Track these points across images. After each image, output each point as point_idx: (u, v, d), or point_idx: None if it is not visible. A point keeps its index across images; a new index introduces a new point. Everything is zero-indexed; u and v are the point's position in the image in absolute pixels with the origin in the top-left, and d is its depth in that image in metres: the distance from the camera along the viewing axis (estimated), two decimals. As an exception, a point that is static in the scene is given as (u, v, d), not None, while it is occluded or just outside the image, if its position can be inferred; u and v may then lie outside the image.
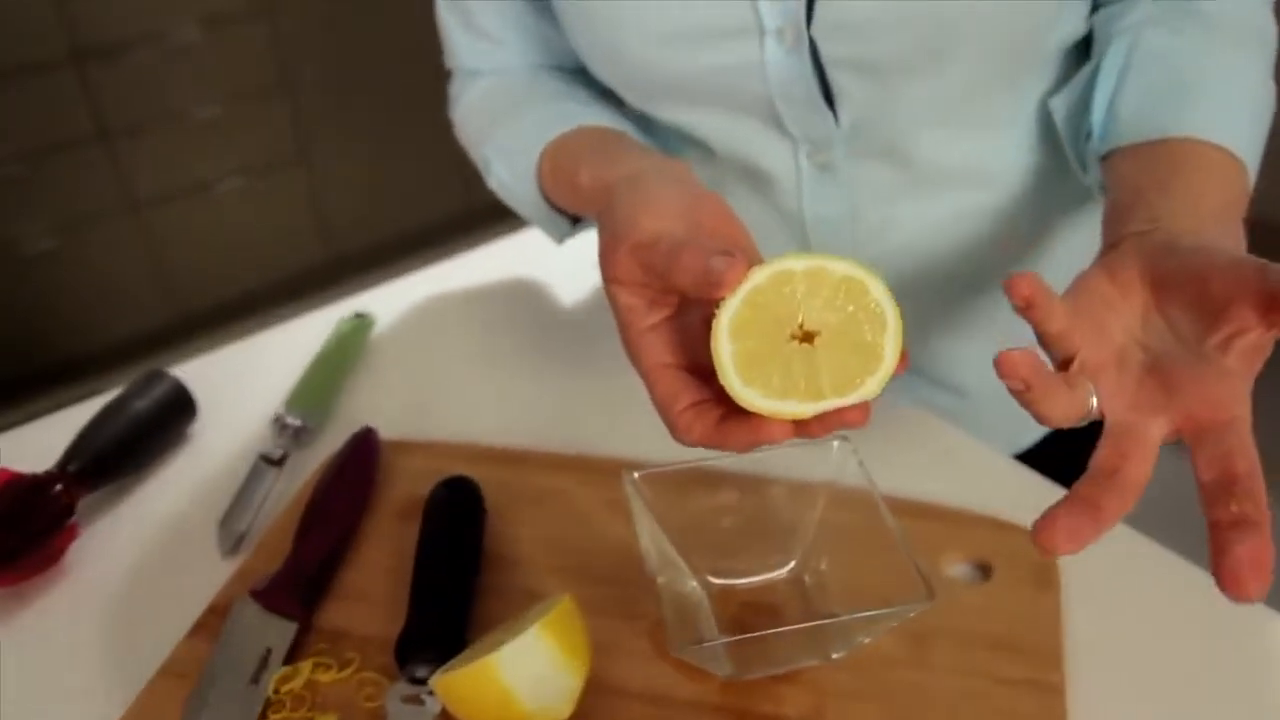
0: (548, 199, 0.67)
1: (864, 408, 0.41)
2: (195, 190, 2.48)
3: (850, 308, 0.41)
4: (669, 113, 0.68)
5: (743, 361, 0.41)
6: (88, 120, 2.26)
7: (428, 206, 2.86)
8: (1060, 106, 0.63)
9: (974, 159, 0.66)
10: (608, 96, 0.71)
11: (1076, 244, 0.72)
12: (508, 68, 0.74)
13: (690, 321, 0.45)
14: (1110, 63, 0.59)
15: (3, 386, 2.27)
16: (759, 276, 0.41)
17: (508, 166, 0.68)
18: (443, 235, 2.78)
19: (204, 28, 2.34)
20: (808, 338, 0.41)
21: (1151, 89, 0.56)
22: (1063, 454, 0.82)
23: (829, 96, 0.62)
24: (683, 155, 0.74)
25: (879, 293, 0.41)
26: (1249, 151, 0.52)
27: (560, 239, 0.72)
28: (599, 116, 0.65)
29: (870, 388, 0.41)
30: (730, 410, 0.43)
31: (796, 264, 0.41)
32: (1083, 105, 0.60)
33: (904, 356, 0.41)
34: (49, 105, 2.21)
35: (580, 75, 0.73)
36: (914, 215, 0.68)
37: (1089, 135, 0.59)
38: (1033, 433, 0.81)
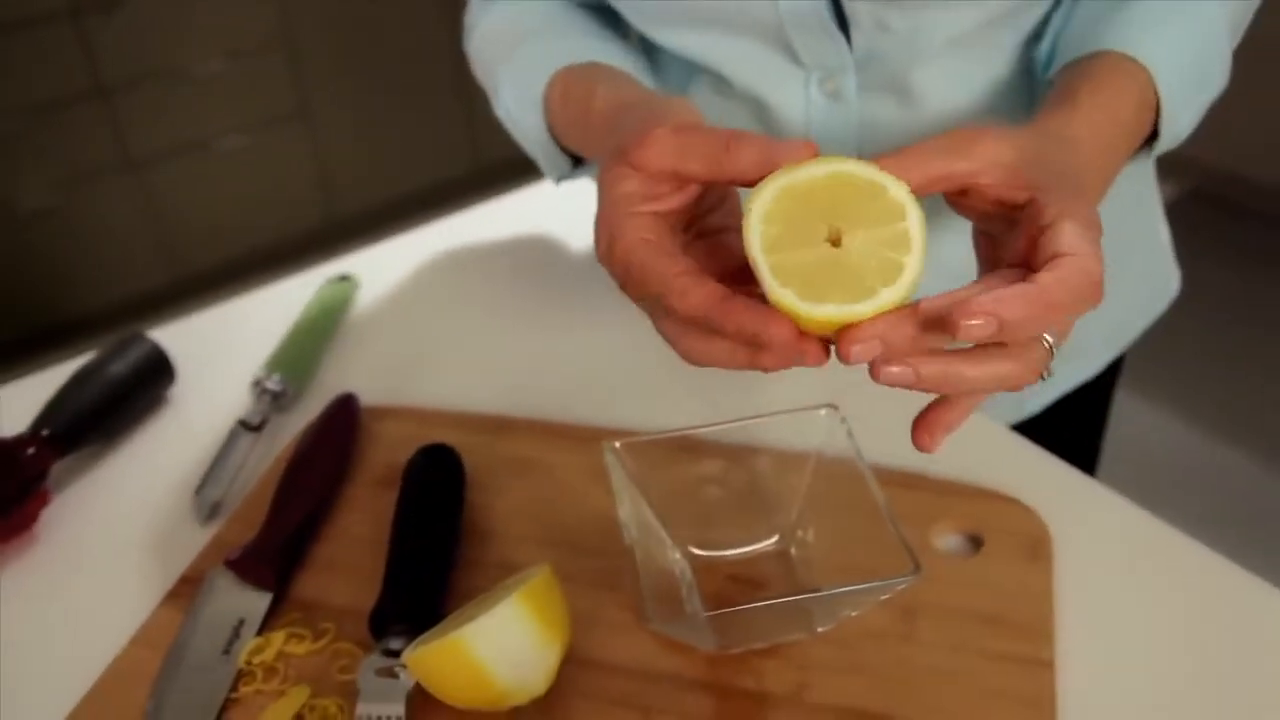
0: (553, 133, 0.65)
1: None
2: (194, 148, 2.45)
3: (874, 211, 0.39)
4: (679, 39, 0.66)
5: (777, 265, 0.38)
6: (85, 76, 2.23)
7: (431, 166, 2.83)
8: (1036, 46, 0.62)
9: (979, 97, 0.64)
10: (623, 38, 0.69)
11: None
12: None
13: (691, 242, 0.44)
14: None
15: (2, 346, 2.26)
16: (786, 178, 0.39)
17: (515, 94, 0.65)
18: (447, 195, 2.76)
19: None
20: (836, 242, 0.39)
21: (1090, 12, 0.57)
22: (1066, 422, 0.81)
23: (843, 23, 0.61)
24: (691, 87, 0.72)
25: (897, 190, 0.39)
26: (1169, 70, 0.53)
27: (558, 178, 0.70)
28: (612, 56, 0.63)
29: (910, 271, 0.39)
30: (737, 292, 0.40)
31: (814, 170, 0.40)
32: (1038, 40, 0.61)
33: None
34: (46, 60, 2.18)
35: (599, 11, 0.71)
36: None
37: (1046, 67, 0.59)
38: (1036, 399, 0.80)
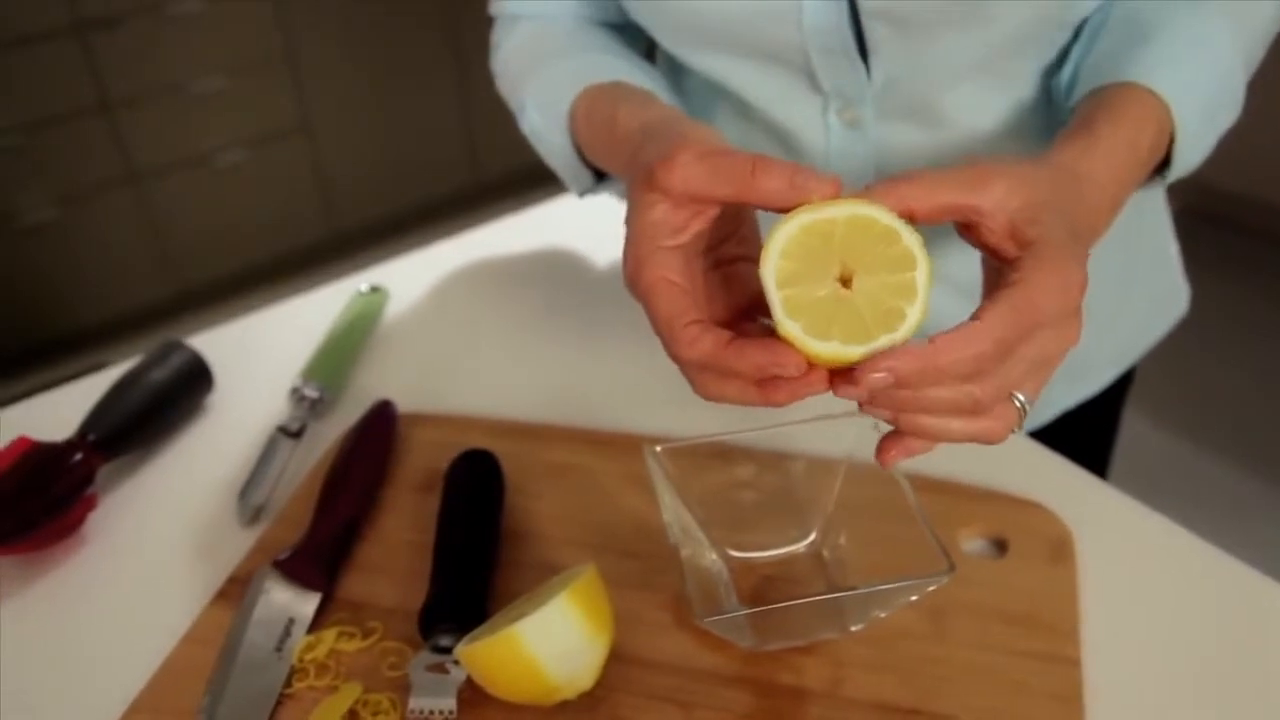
0: (577, 149, 0.67)
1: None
2: (196, 162, 2.47)
3: (886, 258, 0.41)
4: (703, 60, 0.68)
5: (789, 301, 0.40)
6: (89, 91, 2.25)
7: (432, 179, 2.85)
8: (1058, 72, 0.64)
9: (999, 122, 0.66)
10: (644, 57, 0.71)
11: None
12: (549, 14, 0.74)
13: (708, 270, 0.46)
14: (1091, 26, 0.61)
15: (2, 359, 2.27)
16: (809, 215, 0.41)
17: (541, 111, 0.68)
18: (448, 208, 2.78)
19: (206, -2, 2.33)
20: (846, 283, 0.41)
21: (1112, 44, 0.58)
22: (1075, 437, 0.83)
23: (863, 50, 0.63)
24: (714, 110, 0.74)
25: (911, 239, 0.41)
26: (1186, 103, 0.55)
27: (581, 192, 0.72)
28: (635, 74, 0.65)
29: (909, 322, 0.41)
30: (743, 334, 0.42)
31: (836, 210, 0.42)
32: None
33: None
34: (50, 76, 2.20)
35: (621, 31, 0.73)
36: None
37: (1067, 95, 0.61)
38: (1044, 413, 0.82)
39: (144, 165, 2.40)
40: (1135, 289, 0.81)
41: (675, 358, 0.44)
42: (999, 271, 0.44)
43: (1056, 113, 0.65)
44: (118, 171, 2.37)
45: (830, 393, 0.42)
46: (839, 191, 0.42)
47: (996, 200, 0.43)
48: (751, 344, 0.41)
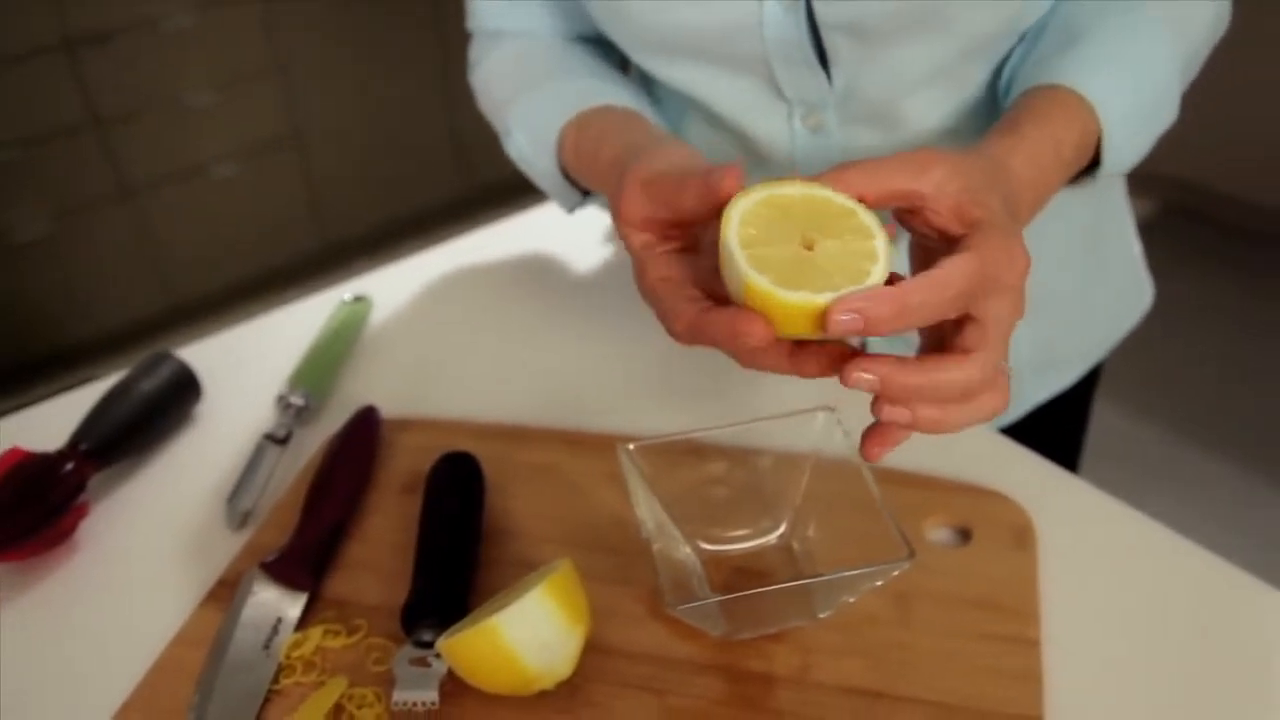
0: (566, 175, 0.69)
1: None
2: (189, 175, 2.49)
3: (845, 229, 0.43)
4: (670, 71, 0.70)
5: (755, 259, 0.42)
6: (81, 106, 2.27)
7: (422, 190, 2.87)
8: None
9: (954, 123, 0.68)
10: (624, 73, 0.74)
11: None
12: (529, 30, 0.76)
13: (699, 262, 0.48)
14: (1031, 29, 0.64)
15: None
16: (766, 190, 0.44)
17: (529, 137, 0.70)
18: (438, 219, 2.80)
19: (196, 12, 2.34)
20: (809, 247, 0.43)
21: (1046, 47, 0.61)
22: (1045, 431, 0.85)
23: (824, 59, 0.65)
24: (684, 118, 0.77)
25: (867, 217, 0.44)
26: (1112, 105, 0.57)
27: (571, 209, 0.74)
28: (621, 96, 0.67)
29: (874, 278, 0.42)
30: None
31: (793, 188, 0.44)
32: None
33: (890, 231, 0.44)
34: (42, 92, 2.21)
35: (597, 44, 0.76)
36: None
37: (1004, 96, 0.64)
38: (1015, 408, 0.84)
39: (137, 179, 2.41)
40: (1101, 286, 0.83)
41: (676, 337, 0.47)
42: (939, 252, 0.46)
43: (1000, 113, 0.68)
44: (110, 186, 2.38)
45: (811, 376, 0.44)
46: (740, 177, 0.44)
47: (937, 183, 0.46)
48: (719, 311, 0.43)
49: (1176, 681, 0.53)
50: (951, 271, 0.42)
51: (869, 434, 0.46)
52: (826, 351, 0.44)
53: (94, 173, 2.35)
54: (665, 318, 0.47)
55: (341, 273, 0.92)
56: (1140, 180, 0.75)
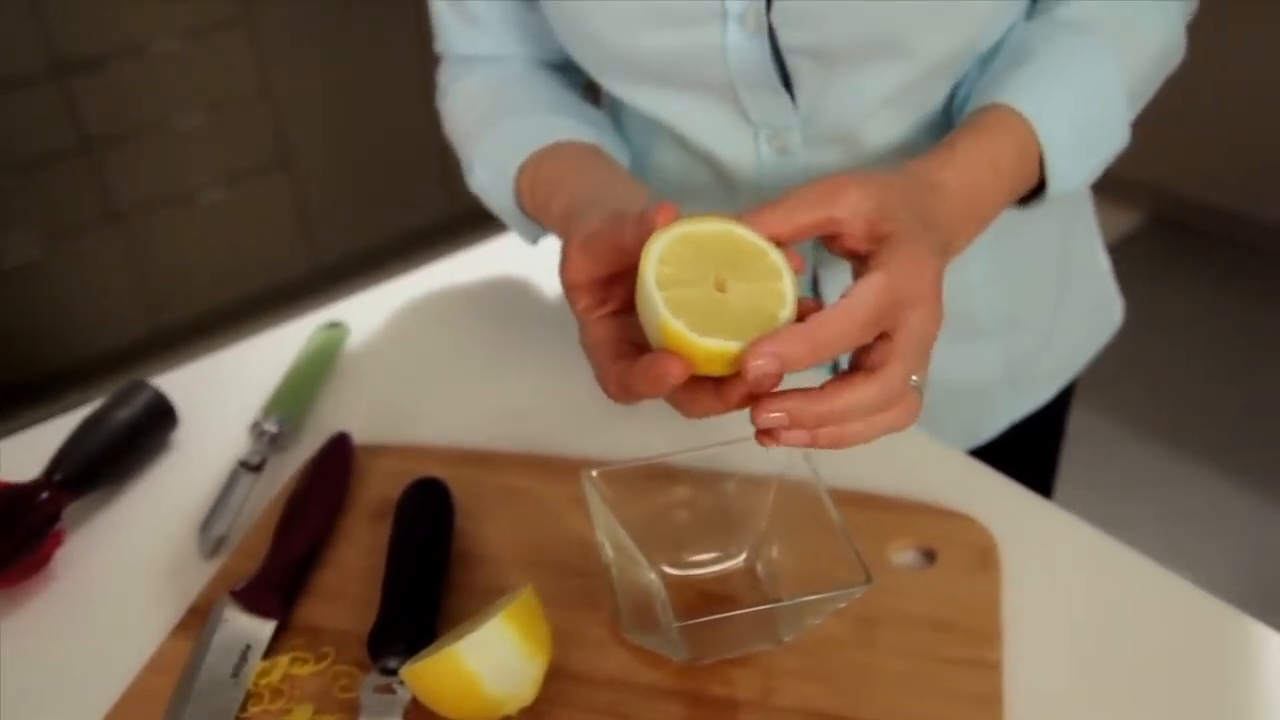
0: (523, 211, 0.70)
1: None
2: (178, 200, 2.50)
3: (756, 270, 0.45)
4: (639, 97, 0.71)
5: (671, 300, 0.43)
6: (69, 132, 2.28)
7: (411, 213, 2.88)
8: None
9: (915, 142, 0.69)
10: (591, 104, 0.75)
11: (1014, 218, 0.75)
12: (499, 55, 0.77)
13: (633, 321, 0.49)
14: (989, 51, 0.65)
15: (-13, 398, 2.28)
16: (683, 227, 0.45)
17: (489, 173, 0.71)
18: (426, 241, 2.81)
19: (183, 38, 2.36)
20: (721, 287, 0.45)
21: (996, 67, 0.62)
22: (1021, 448, 0.86)
23: (788, 82, 0.66)
24: (654, 142, 0.78)
25: (776, 256, 0.46)
26: (1053, 124, 0.58)
27: (534, 240, 0.75)
28: (582, 131, 0.68)
29: (783, 321, 0.44)
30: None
31: (709, 225, 0.45)
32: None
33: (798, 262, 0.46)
34: (30, 118, 2.22)
35: (565, 72, 0.77)
36: None
37: (958, 114, 0.65)
38: (990, 427, 0.84)
39: (126, 204, 2.42)
40: (1071, 305, 0.83)
41: (613, 398, 0.48)
42: (859, 273, 0.48)
43: None
44: (99, 211, 2.39)
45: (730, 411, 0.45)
46: (673, 213, 0.45)
47: (851, 207, 0.47)
48: (639, 361, 0.45)
49: (1141, 709, 0.53)
50: (859, 297, 0.44)
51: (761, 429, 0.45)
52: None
53: (83, 197, 2.36)
54: (600, 381, 0.49)
55: (330, 295, 0.93)
56: (1125, 191, 0.76)
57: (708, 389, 0.46)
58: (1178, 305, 2.41)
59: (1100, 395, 0.91)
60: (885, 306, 0.44)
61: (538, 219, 0.68)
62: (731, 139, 0.70)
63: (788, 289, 0.45)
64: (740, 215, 0.46)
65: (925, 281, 0.46)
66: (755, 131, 0.69)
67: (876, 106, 0.66)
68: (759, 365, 0.41)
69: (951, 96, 0.67)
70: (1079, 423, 0.94)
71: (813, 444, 0.45)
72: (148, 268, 2.52)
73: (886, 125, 0.67)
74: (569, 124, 0.69)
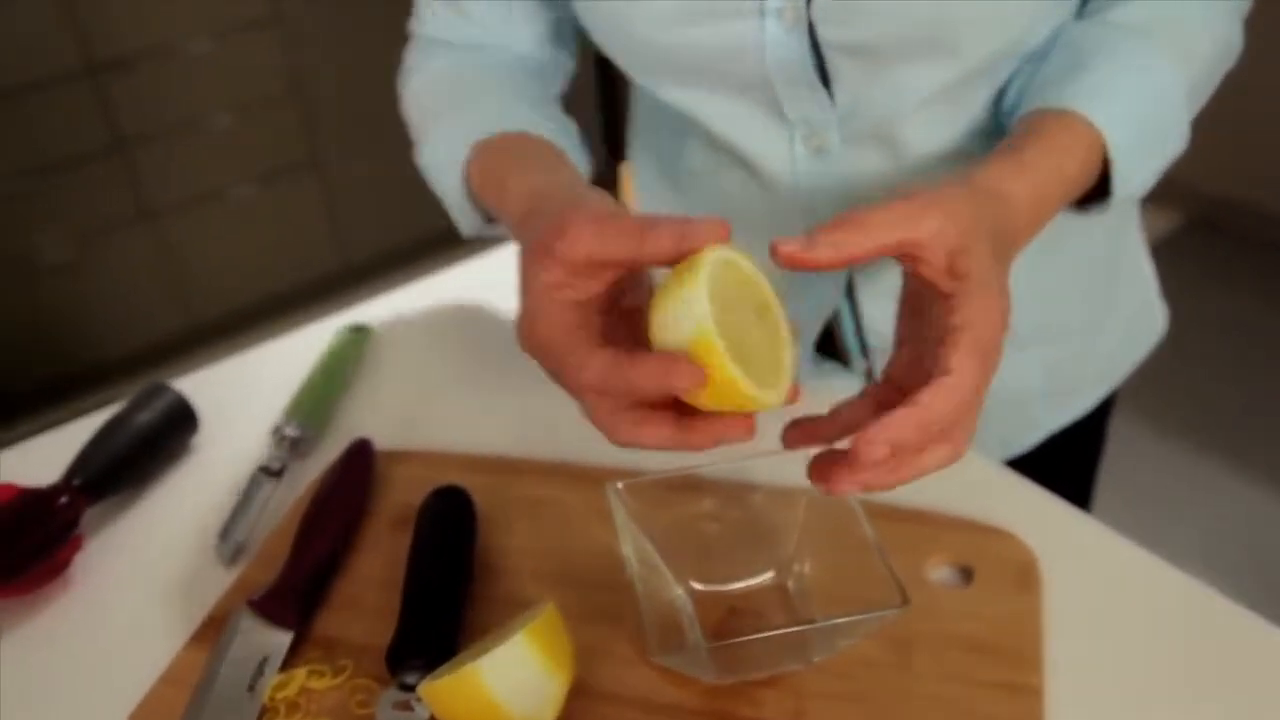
0: (471, 194, 0.67)
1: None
2: (209, 199, 2.51)
3: (766, 326, 0.45)
4: (671, 92, 0.69)
5: (716, 316, 0.42)
6: (101, 132, 2.30)
7: (440, 213, 2.88)
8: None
9: (956, 145, 0.67)
10: (554, 102, 0.72)
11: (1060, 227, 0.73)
12: (474, 44, 0.74)
13: (594, 320, 0.48)
14: (1035, 54, 0.63)
15: (19, 398, 2.30)
16: (730, 254, 0.44)
17: (438, 158, 0.68)
18: (455, 242, 2.81)
19: (215, 38, 2.37)
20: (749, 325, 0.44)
21: (1053, 70, 0.60)
22: (1060, 460, 0.83)
23: (826, 79, 0.64)
24: (684, 141, 0.75)
25: (781, 318, 0.46)
26: (1120, 132, 0.57)
27: (468, 231, 0.71)
28: (546, 128, 0.65)
29: (779, 392, 0.44)
30: (681, 409, 0.44)
31: (748, 263, 0.45)
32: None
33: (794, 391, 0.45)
34: (62, 119, 2.24)
35: (543, 72, 0.74)
36: None
37: (1009, 116, 0.63)
38: (1028, 438, 0.82)
39: (157, 203, 2.44)
40: (1114, 312, 0.81)
41: (574, 391, 0.46)
42: (927, 297, 0.47)
43: (1004, 134, 0.66)
44: (131, 210, 2.41)
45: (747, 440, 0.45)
46: (728, 233, 0.44)
47: (935, 230, 0.45)
48: (649, 355, 0.43)
49: (1185, 731, 0.51)
50: (963, 372, 0.44)
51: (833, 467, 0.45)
52: (726, 421, 0.44)
53: (115, 196, 2.37)
54: (567, 369, 0.45)
55: (358, 295, 0.92)
56: (1163, 194, 0.73)
57: (666, 416, 0.45)
58: (1216, 309, 2.36)
59: (1136, 402, 0.88)
60: (987, 366, 0.44)
61: (486, 199, 0.64)
62: (766, 138, 0.68)
63: (788, 361, 0.45)
64: (819, 232, 0.44)
65: (1004, 326, 0.46)
66: (791, 131, 0.67)
67: (918, 106, 0.64)
68: (874, 451, 0.42)
69: (998, 100, 0.65)
70: (1114, 431, 0.91)
71: (894, 485, 0.45)
72: (177, 267, 2.53)
73: (928, 126, 0.65)
74: (538, 119, 0.65)
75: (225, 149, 2.48)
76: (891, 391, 0.47)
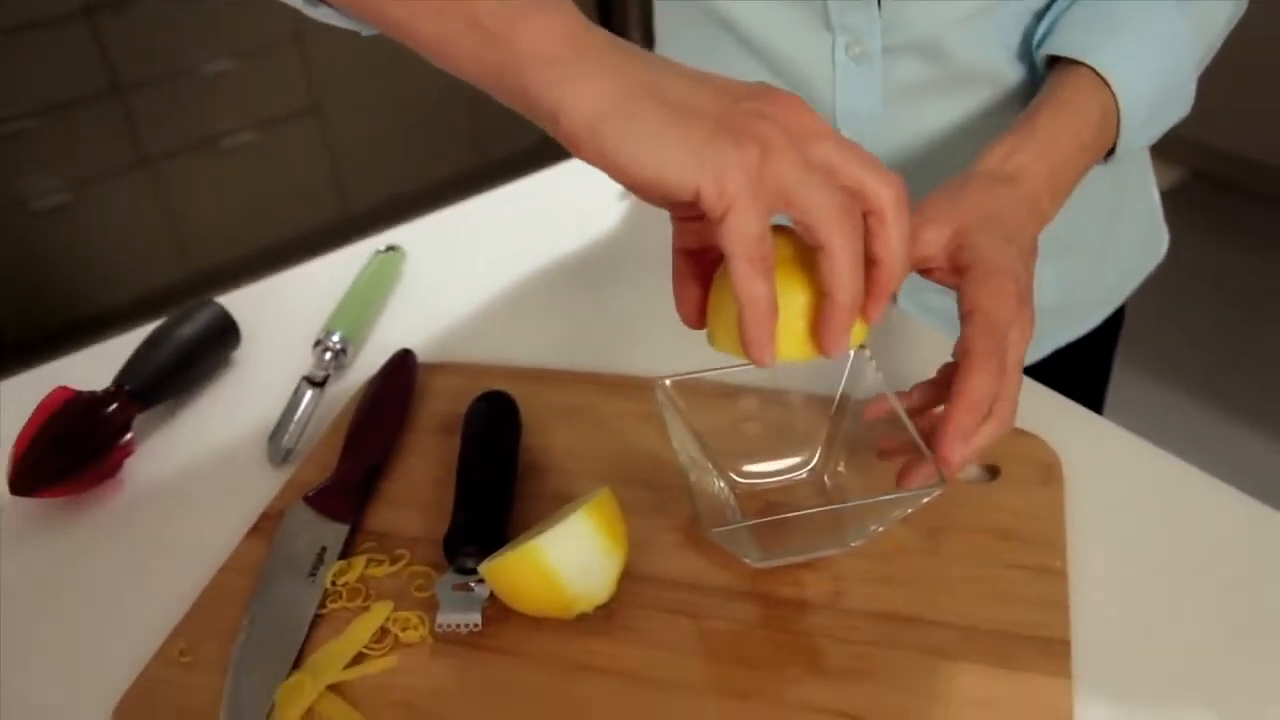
0: None
1: None
2: (207, 144, 2.50)
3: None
4: None
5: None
6: (99, 75, 2.28)
7: (440, 163, 2.88)
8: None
9: (993, 59, 0.69)
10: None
11: None
12: None
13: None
14: None
15: (15, 346, 2.30)
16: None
17: None
18: (452, 190, 2.81)
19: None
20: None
21: (1082, 19, 0.63)
22: (1073, 372, 0.86)
23: None
24: (716, 45, 0.76)
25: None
26: (1135, 97, 0.60)
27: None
28: None
29: None
30: None
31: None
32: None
33: None
34: (60, 59, 2.22)
35: None
36: (940, 113, 0.72)
37: (1038, 46, 0.66)
38: (1043, 347, 0.85)
39: (155, 148, 2.43)
40: (1121, 231, 0.83)
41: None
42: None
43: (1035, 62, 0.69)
44: (129, 155, 2.40)
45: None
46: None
47: (930, 242, 0.51)
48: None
49: (1202, 612, 0.54)
50: (977, 353, 0.48)
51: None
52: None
53: (113, 141, 2.36)
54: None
55: (361, 240, 0.94)
56: (1167, 147, 0.76)
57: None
58: (1217, 261, 2.39)
59: (1140, 349, 0.91)
60: (999, 343, 0.49)
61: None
62: (808, 44, 0.70)
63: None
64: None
65: (1010, 299, 0.49)
66: (834, 38, 0.69)
67: (960, 20, 0.66)
68: (958, 451, 0.48)
69: (1037, 19, 0.67)
70: (1118, 378, 0.94)
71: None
72: (175, 213, 2.52)
73: (970, 42, 0.67)
74: None
75: (225, 95, 2.47)
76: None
